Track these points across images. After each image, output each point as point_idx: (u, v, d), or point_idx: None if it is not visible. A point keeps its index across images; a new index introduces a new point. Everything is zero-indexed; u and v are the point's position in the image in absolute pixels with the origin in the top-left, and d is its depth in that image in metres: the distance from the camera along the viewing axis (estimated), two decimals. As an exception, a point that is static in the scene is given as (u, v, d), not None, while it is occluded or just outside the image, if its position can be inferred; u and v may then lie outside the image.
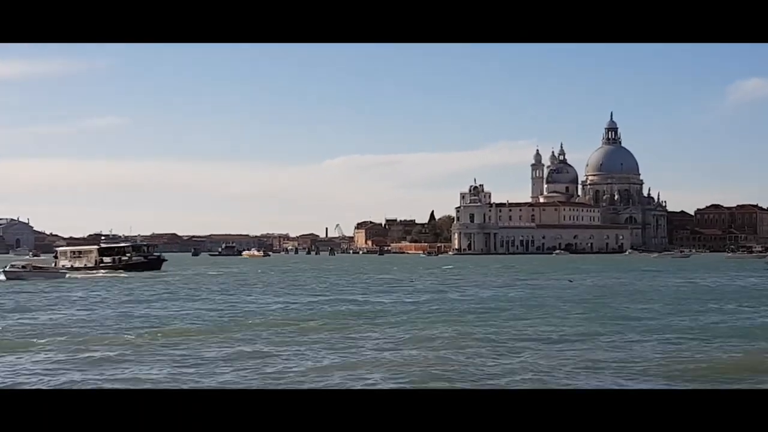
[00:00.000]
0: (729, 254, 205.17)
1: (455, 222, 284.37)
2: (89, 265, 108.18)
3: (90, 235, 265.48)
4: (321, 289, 69.29)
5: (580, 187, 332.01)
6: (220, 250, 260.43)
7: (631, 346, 29.03)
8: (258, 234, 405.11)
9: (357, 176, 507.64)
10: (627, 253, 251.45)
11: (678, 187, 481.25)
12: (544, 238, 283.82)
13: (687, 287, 70.63)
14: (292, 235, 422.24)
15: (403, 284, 77.83)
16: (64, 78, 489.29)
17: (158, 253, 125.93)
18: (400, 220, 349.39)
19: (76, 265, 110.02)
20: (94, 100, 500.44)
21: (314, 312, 45.36)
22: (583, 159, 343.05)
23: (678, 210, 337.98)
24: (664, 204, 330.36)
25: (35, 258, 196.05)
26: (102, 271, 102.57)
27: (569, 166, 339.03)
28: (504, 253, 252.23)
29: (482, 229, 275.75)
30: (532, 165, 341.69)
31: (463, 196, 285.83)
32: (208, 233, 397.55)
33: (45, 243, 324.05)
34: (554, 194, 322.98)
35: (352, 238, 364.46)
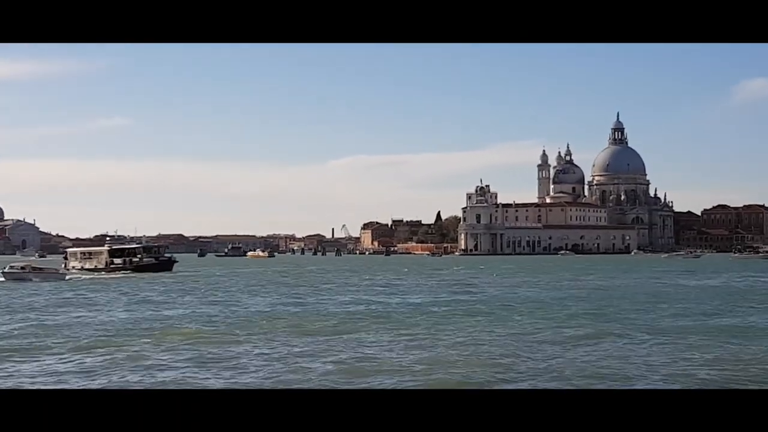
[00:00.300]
0: (735, 254, 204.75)
1: (462, 222, 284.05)
2: (99, 266, 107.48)
3: (96, 236, 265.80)
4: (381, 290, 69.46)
5: (586, 187, 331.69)
6: (226, 250, 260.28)
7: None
8: (264, 234, 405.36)
9: (363, 177, 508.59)
10: (633, 253, 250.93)
11: (685, 187, 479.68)
12: (550, 238, 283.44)
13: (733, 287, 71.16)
14: (299, 235, 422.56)
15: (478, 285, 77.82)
16: (69, 78, 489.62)
17: (169, 254, 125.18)
18: (407, 221, 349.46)
19: (87, 266, 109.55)
20: (99, 101, 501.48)
21: (419, 310, 46.49)
22: (590, 159, 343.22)
23: (684, 210, 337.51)
24: (670, 204, 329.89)
25: (42, 258, 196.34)
26: (119, 272, 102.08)
27: (576, 166, 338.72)
28: (510, 254, 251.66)
29: (489, 229, 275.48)
30: (539, 165, 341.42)
31: (469, 196, 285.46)
32: (215, 234, 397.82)
33: (51, 244, 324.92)
34: (561, 195, 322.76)
35: (359, 238, 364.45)
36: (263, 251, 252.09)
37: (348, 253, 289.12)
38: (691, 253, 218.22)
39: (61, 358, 28.00)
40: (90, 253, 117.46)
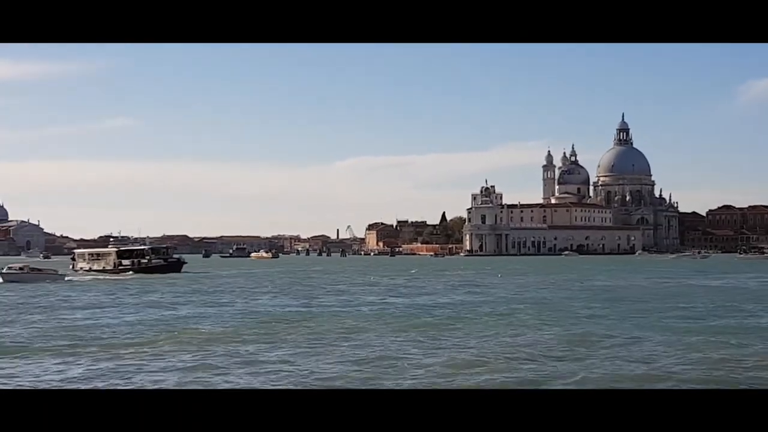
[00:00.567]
0: (741, 255, 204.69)
1: (467, 223, 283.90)
2: (108, 267, 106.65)
3: (100, 237, 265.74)
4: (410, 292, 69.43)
5: (591, 188, 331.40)
6: (231, 251, 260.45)
7: None
8: (269, 235, 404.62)
9: (368, 177, 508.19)
10: (637, 254, 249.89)
11: (690, 187, 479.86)
12: (555, 239, 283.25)
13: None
14: (304, 236, 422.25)
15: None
16: (72, 79, 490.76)
17: (178, 256, 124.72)
18: (412, 222, 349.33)
19: (95, 267, 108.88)
20: (103, 102, 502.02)
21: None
22: (595, 160, 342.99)
23: (689, 211, 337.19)
24: (675, 205, 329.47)
25: (47, 259, 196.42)
26: (127, 274, 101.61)
27: (581, 167, 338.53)
28: (515, 254, 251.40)
29: (494, 230, 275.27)
30: (544, 166, 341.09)
31: (474, 197, 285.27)
32: (219, 234, 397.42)
33: (55, 245, 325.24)
34: (566, 195, 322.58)
35: (364, 239, 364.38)
36: (267, 252, 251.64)
37: (353, 254, 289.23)
38: (698, 253, 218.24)
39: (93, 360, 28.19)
40: (98, 255, 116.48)
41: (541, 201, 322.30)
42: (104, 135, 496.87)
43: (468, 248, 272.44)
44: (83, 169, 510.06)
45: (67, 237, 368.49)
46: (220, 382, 22.81)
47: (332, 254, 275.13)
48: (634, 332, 34.28)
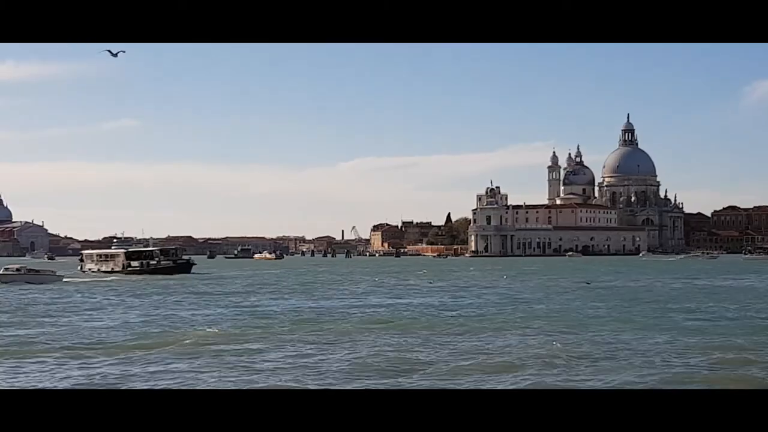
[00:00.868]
0: (746, 255, 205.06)
1: (472, 224, 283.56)
2: (116, 269, 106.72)
3: (104, 238, 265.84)
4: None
5: (596, 189, 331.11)
6: (236, 252, 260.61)
7: None
8: (274, 236, 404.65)
9: (373, 178, 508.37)
10: (641, 255, 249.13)
11: (695, 188, 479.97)
12: (560, 239, 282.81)
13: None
14: (309, 237, 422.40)
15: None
16: (77, 80, 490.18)
17: (187, 257, 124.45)
18: (417, 223, 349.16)
19: (103, 269, 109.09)
20: (107, 103, 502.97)
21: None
22: (600, 161, 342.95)
23: (695, 212, 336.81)
24: (681, 206, 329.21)
25: (51, 260, 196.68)
26: (136, 275, 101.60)
27: (586, 167, 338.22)
28: (521, 255, 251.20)
29: (499, 231, 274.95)
30: (549, 167, 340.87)
31: (479, 198, 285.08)
32: (224, 236, 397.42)
33: (60, 246, 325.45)
34: (571, 196, 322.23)
35: (369, 240, 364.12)
36: (270, 253, 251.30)
37: (358, 255, 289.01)
38: (707, 254, 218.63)
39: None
40: (107, 256, 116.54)
41: (546, 202, 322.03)
42: (108, 136, 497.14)
43: (473, 249, 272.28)
44: (87, 170, 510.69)
45: (71, 238, 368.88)
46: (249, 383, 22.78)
47: (337, 255, 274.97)
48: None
